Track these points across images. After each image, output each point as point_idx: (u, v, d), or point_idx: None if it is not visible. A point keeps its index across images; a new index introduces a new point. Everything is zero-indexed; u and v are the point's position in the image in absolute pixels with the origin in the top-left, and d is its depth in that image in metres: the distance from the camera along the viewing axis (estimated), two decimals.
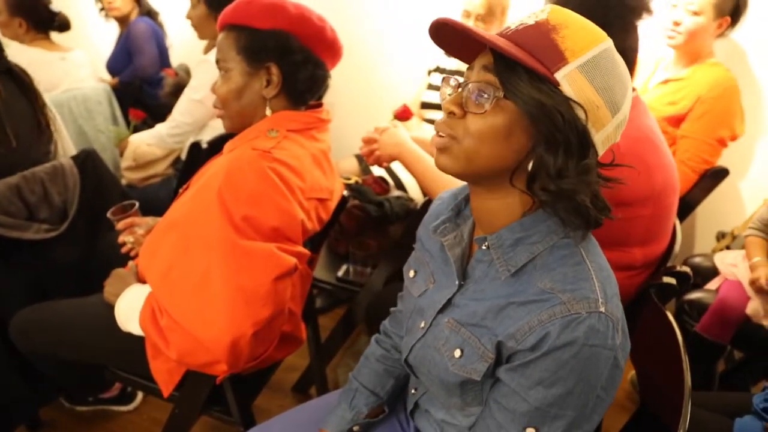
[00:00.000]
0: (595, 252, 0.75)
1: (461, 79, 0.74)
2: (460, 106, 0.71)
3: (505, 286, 0.75)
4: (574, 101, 0.67)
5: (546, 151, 0.68)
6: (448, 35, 0.73)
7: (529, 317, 0.69)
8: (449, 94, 0.74)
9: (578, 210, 0.69)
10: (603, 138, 0.70)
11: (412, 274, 0.93)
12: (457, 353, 0.78)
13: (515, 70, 0.67)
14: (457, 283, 0.81)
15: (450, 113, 0.72)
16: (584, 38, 0.68)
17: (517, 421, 0.72)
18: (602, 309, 0.67)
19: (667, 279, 1.17)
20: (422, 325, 0.86)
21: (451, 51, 0.77)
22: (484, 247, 0.78)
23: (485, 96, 0.69)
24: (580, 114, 0.67)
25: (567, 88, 0.67)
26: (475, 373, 0.76)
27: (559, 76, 0.66)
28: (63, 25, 2.45)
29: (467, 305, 0.79)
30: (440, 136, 0.73)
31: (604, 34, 0.71)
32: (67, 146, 1.82)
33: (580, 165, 0.68)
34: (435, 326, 0.84)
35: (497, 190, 0.74)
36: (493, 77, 0.69)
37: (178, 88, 2.49)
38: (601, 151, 0.72)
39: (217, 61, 1.21)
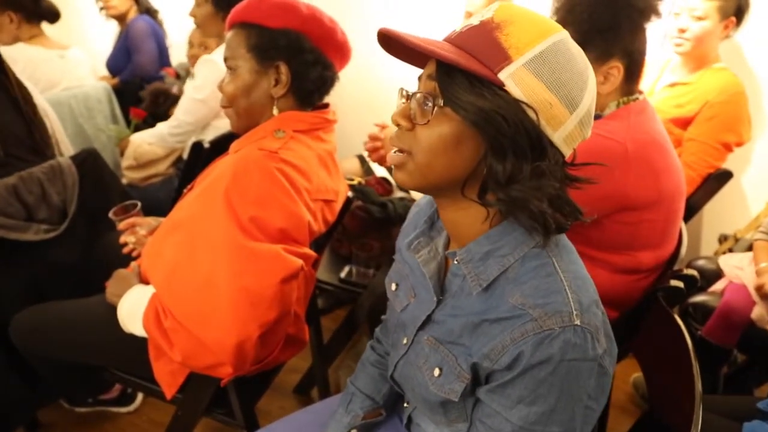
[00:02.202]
0: (570, 259, 0.72)
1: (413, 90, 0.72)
2: (408, 118, 0.69)
3: (478, 301, 0.73)
4: (522, 101, 0.63)
5: (494, 158, 0.65)
6: (401, 45, 0.69)
7: (502, 336, 0.67)
8: (402, 104, 0.72)
9: (534, 216, 0.67)
10: (564, 136, 0.67)
11: (393, 287, 0.91)
12: (437, 372, 0.77)
13: (453, 75, 0.64)
14: (435, 299, 0.79)
15: (399, 125, 0.70)
16: (530, 33, 0.64)
17: None
18: (577, 321, 0.65)
19: (674, 282, 1.17)
20: (405, 341, 0.85)
21: (409, 60, 0.74)
22: (455, 262, 0.76)
23: (428, 105, 0.67)
24: (531, 114, 0.64)
25: (513, 89, 0.63)
26: (453, 393, 0.75)
27: (503, 76, 0.63)
28: (52, 13, 2.41)
29: (445, 321, 0.77)
30: (395, 152, 0.72)
31: (556, 26, 0.67)
32: (65, 149, 1.80)
33: (534, 168, 0.65)
34: (416, 343, 0.83)
35: (459, 200, 0.71)
36: (434, 85, 0.67)
37: (157, 95, 2.49)
38: (565, 150, 0.68)
39: (226, 59, 1.19)
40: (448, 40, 0.68)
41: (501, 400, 0.69)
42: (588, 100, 0.68)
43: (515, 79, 0.63)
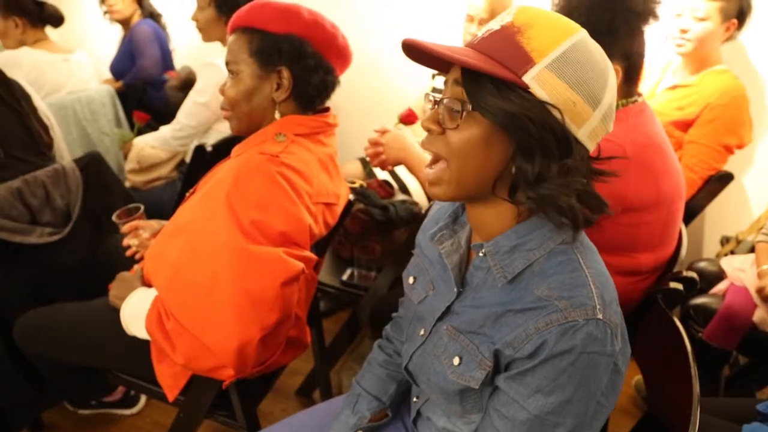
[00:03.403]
0: (593, 258, 0.74)
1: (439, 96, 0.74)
2: (438, 123, 0.72)
3: (502, 293, 0.74)
4: (547, 102, 0.66)
5: (523, 158, 0.68)
6: (422, 52, 0.72)
7: (526, 325, 0.69)
8: (429, 109, 0.74)
9: (564, 212, 0.69)
10: (588, 133, 0.69)
11: (411, 280, 0.93)
12: (456, 361, 0.78)
13: (480, 81, 0.67)
14: (455, 290, 0.81)
15: (429, 131, 0.73)
16: (551, 35, 0.67)
17: (517, 429, 0.71)
18: (600, 315, 0.67)
19: (673, 284, 1.17)
20: (422, 332, 0.86)
21: (431, 65, 0.77)
22: (481, 254, 0.78)
23: (456, 110, 0.69)
24: (556, 114, 0.66)
25: (538, 90, 0.66)
26: (473, 381, 0.76)
27: (528, 78, 0.65)
28: (56, 17, 2.41)
29: (466, 312, 0.79)
30: (429, 167, 0.74)
31: (575, 26, 0.69)
32: (63, 153, 1.81)
33: (561, 166, 0.67)
34: (434, 333, 0.84)
35: (489, 200, 0.74)
36: (462, 90, 0.69)
37: (186, 84, 2.49)
38: (589, 145, 0.71)
39: (227, 63, 1.21)
40: (471, 45, 0.70)
41: (519, 389, 0.70)
42: (609, 96, 0.70)
43: (539, 81, 0.66)
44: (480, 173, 0.70)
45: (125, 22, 3.05)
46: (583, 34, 0.69)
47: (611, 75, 0.70)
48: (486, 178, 0.71)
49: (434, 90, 2.36)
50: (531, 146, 0.66)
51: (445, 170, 0.72)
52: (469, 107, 0.68)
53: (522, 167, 0.68)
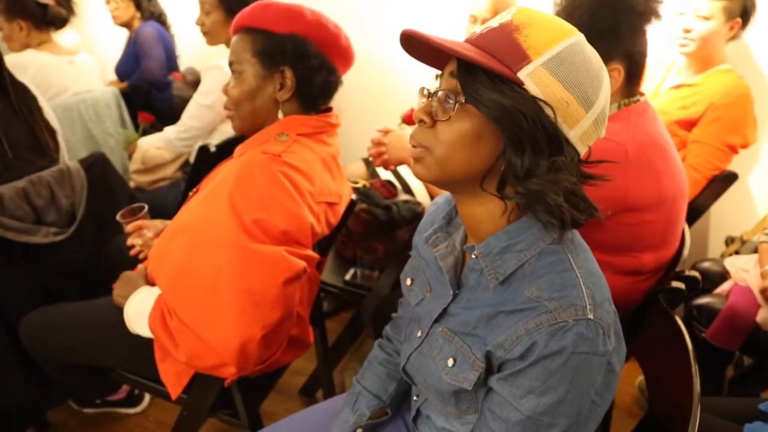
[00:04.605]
0: (585, 257, 0.74)
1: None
2: (430, 115, 0.72)
3: (495, 294, 0.75)
4: (540, 99, 0.66)
5: (513, 153, 0.67)
6: (420, 46, 0.73)
7: (517, 326, 0.69)
8: (423, 102, 0.74)
9: (551, 210, 0.69)
10: (579, 134, 0.69)
11: (408, 282, 0.93)
12: (450, 362, 0.78)
13: (475, 73, 0.67)
14: (451, 292, 0.81)
15: (421, 122, 0.73)
16: (548, 35, 0.67)
17: (511, 430, 0.71)
18: (590, 315, 0.67)
19: (675, 283, 1.17)
20: (419, 334, 0.87)
21: (426, 61, 0.77)
22: (473, 256, 0.78)
23: (450, 102, 0.69)
24: (548, 112, 0.66)
25: (532, 87, 0.66)
26: (467, 382, 0.76)
27: (523, 75, 0.66)
28: (59, 19, 2.42)
29: (461, 314, 0.79)
30: (414, 146, 0.74)
31: (572, 29, 0.70)
32: (63, 152, 1.82)
33: (551, 163, 0.67)
34: (431, 335, 0.84)
35: (478, 195, 0.73)
36: (456, 83, 0.69)
37: (195, 82, 2.51)
38: (580, 148, 0.71)
39: (231, 63, 1.21)
40: (469, 41, 0.71)
41: (512, 390, 0.70)
42: (603, 100, 0.70)
43: (534, 78, 0.66)
44: (467, 166, 0.70)
45: (128, 25, 3.07)
46: (580, 37, 0.70)
47: (606, 80, 0.70)
48: (473, 172, 0.71)
49: None
50: (521, 141, 0.66)
51: (427, 154, 0.72)
52: (462, 99, 0.68)
53: (511, 161, 0.68)
